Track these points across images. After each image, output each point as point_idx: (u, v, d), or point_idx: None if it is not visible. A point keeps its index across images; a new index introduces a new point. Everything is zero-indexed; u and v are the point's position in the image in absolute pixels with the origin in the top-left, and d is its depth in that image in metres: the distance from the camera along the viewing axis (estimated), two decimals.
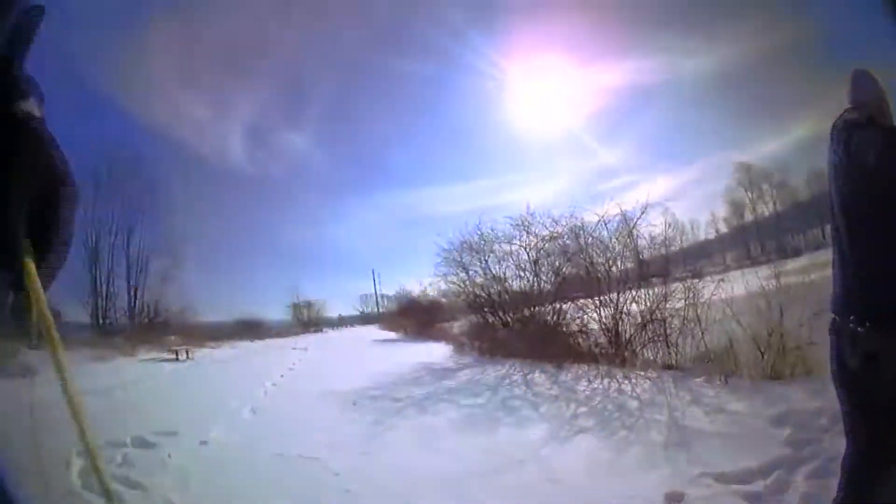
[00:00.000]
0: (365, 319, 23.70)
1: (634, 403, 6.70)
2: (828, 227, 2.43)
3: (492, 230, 12.67)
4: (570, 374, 8.86)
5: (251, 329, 21.44)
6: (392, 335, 20.80)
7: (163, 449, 6.46)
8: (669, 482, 4.34)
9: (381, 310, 23.18)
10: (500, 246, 12.63)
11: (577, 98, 14.70)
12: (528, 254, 12.21)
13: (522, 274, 12.42)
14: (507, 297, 12.74)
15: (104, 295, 18.83)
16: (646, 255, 10.90)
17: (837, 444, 2.66)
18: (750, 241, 13.22)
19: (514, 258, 12.48)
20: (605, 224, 10.84)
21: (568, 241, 11.59)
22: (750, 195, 13.03)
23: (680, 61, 12.95)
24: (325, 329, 22.90)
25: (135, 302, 19.47)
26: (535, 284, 12.16)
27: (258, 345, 20.53)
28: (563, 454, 5.42)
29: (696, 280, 9.64)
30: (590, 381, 8.20)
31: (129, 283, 19.26)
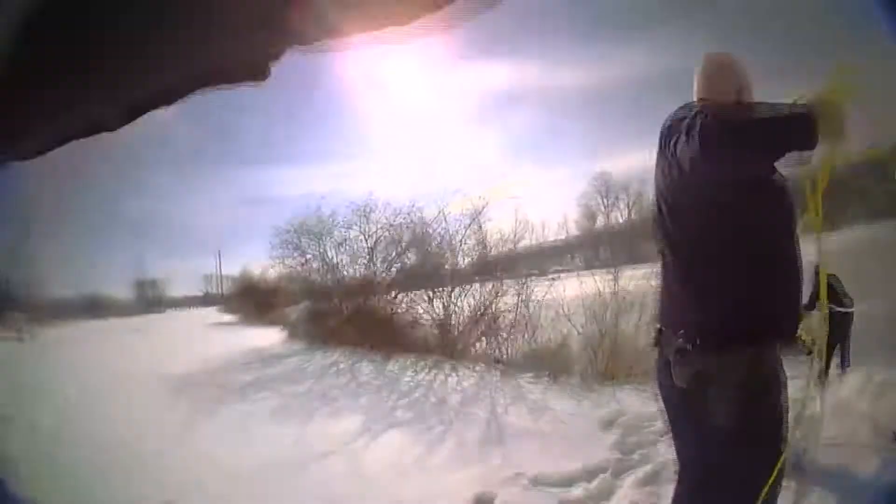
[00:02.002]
0: (207, 301, 23.73)
1: (457, 398, 6.55)
2: None
3: (331, 214, 12.27)
4: (397, 365, 8.72)
5: (95, 307, 20.70)
6: (231, 318, 20.67)
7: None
8: (481, 482, 4.06)
9: (223, 291, 22.91)
10: (338, 231, 12.24)
11: (444, 92, 14.47)
12: (366, 241, 11.84)
13: (359, 261, 12.08)
14: (341, 284, 12.35)
15: None
16: (493, 250, 10.84)
17: (672, 451, 2.29)
18: (601, 245, 13.59)
19: (352, 245, 12.10)
20: (445, 217, 10.76)
21: (407, 231, 11.48)
22: (605, 202, 13.41)
23: (556, 71, 13.03)
24: (166, 309, 23.06)
25: None
26: (371, 273, 11.84)
27: (102, 324, 20.13)
28: (373, 448, 5.22)
29: (531, 278, 9.71)
30: (416, 373, 8.09)
31: None
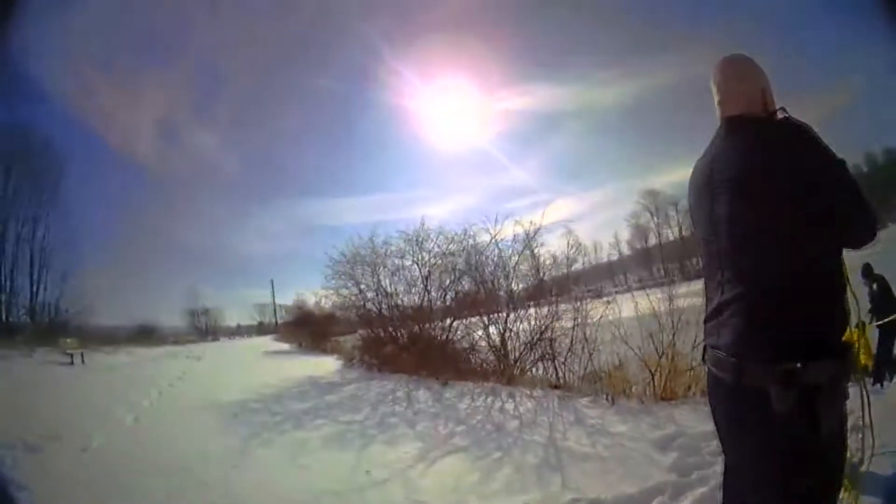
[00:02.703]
0: (262, 330, 23.82)
1: (514, 423, 6.44)
2: None
3: (384, 244, 12.53)
4: (454, 392, 8.64)
5: (148, 335, 20.89)
6: (286, 347, 20.77)
7: (48, 454, 6.15)
8: None
9: (277, 320, 23.15)
10: (392, 260, 12.47)
11: (486, 119, 14.69)
12: (419, 270, 12.04)
13: (413, 290, 12.26)
14: (397, 312, 12.55)
15: (8, 289, 17.53)
16: (546, 274, 10.91)
17: None
18: (654, 263, 13.41)
19: (406, 273, 12.31)
20: (497, 244, 10.94)
21: (460, 259, 11.58)
22: (655, 220, 13.26)
23: (592, 91, 13.10)
24: (221, 338, 23.02)
25: (35, 299, 18.29)
26: (426, 301, 12.01)
27: (153, 352, 20.10)
28: (431, 474, 5.16)
29: (586, 301, 9.57)
30: (473, 399, 7.98)
31: (31, 278, 18.09)
